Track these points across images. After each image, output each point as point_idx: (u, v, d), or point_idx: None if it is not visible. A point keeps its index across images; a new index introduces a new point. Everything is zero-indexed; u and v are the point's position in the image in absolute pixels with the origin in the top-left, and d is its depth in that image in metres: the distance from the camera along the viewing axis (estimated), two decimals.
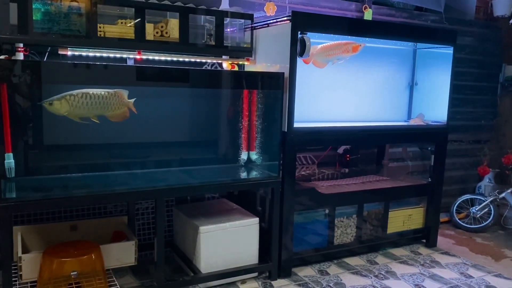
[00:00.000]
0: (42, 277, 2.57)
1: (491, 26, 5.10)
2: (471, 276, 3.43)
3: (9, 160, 2.68)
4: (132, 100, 2.80)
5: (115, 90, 2.71)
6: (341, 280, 3.27)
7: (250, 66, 3.47)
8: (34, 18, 2.65)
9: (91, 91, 2.64)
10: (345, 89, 3.85)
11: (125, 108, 2.78)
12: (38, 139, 2.97)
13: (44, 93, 2.75)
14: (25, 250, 2.82)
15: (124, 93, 2.76)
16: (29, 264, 2.61)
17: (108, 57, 3.06)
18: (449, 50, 3.83)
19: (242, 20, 3.39)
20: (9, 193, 2.55)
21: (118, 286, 2.78)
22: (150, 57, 3.12)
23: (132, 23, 2.91)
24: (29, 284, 2.70)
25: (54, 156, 3.05)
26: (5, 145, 2.60)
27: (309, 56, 3.14)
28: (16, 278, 2.63)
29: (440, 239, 4.13)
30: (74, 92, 2.59)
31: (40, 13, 2.72)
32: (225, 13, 3.22)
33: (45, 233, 3.03)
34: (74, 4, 2.78)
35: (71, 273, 2.58)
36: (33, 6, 2.64)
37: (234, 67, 3.48)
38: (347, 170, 4.14)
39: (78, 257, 2.62)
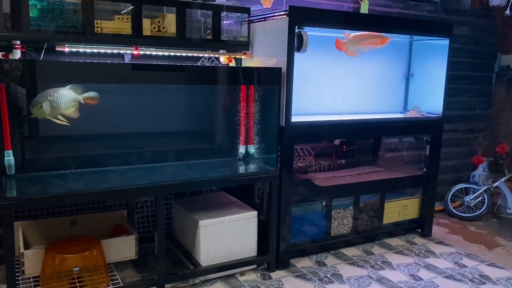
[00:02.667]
0: (45, 273, 2.61)
1: (487, 15, 5.11)
2: (465, 266, 3.51)
3: (9, 158, 2.70)
4: (86, 94, 2.77)
5: (68, 86, 2.70)
6: (338, 271, 3.34)
7: (247, 60, 3.47)
8: (30, 15, 2.64)
9: (58, 90, 2.65)
10: (342, 81, 3.87)
11: (77, 104, 2.76)
12: (37, 136, 2.98)
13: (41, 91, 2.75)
14: (26, 245, 2.86)
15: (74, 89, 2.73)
16: (31, 260, 2.65)
17: (106, 53, 3.06)
18: (445, 42, 3.85)
19: (239, 14, 3.38)
20: (10, 190, 2.58)
21: (119, 280, 2.83)
22: (148, 53, 3.12)
23: (127, 9, 2.90)
24: (31, 279, 2.74)
25: (53, 152, 3.06)
26: (4, 143, 2.61)
27: (343, 45, 3.35)
28: (19, 273, 2.67)
29: (434, 228, 4.20)
30: (50, 92, 2.61)
31: (37, 9, 2.70)
32: (222, 7, 3.21)
33: (46, 228, 3.06)
34: (71, 0, 2.76)
35: (74, 269, 2.62)
36: (30, 3, 2.62)
37: (231, 61, 3.49)
38: (343, 161, 4.18)
39: (80, 253, 2.66)
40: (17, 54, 2.74)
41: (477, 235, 4.24)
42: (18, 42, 2.73)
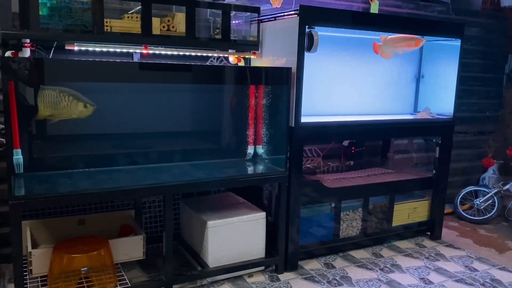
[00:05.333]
0: (52, 273, 2.59)
1: (498, 16, 5.06)
2: (475, 269, 3.46)
3: (18, 156, 2.68)
4: None
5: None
6: (347, 273, 3.30)
7: (256, 60, 3.45)
8: (40, 13, 2.63)
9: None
10: (352, 82, 3.84)
11: None
12: (45, 135, 2.98)
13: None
14: (34, 244, 2.85)
15: None
16: (38, 259, 2.64)
17: (115, 52, 3.05)
18: (456, 43, 3.80)
19: (249, 13, 3.36)
20: (18, 189, 2.56)
21: (127, 280, 2.81)
22: (157, 52, 3.11)
23: (136, 9, 2.89)
24: (39, 279, 2.73)
25: (61, 152, 3.05)
26: (13, 142, 2.60)
27: (380, 48, 3.46)
28: (26, 273, 2.66)
29: (444, 231, 4.15)
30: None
31: (46, 8, 2.70)
32: (231, 6, 3.19)
33: (53, 227, 3.05)
34: None
35: (82, 269, 2.60)
36: (39, 1, 2.62)
37: (240, 61, 3.46)
38: (352, 162, 4.14)
39: (88, 253, 2.64)
40: (26, 53, 2.73)
41: (487, 238, 4.19)
42: (28, 40, 2.72)
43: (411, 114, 4.20)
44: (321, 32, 3.07)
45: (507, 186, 4.63)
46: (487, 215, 4.57)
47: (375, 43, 3.52)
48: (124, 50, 3.03)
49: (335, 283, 3.14)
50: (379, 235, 3.80)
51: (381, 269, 3.39)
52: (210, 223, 3.02)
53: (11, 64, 2.37)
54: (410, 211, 3.94)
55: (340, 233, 3.60)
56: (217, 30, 3.27)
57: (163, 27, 2.97)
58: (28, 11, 2.58)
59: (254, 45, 3.37)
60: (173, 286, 2.94)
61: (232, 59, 3.46)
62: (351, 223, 3.64)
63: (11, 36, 2.65)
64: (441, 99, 4.01)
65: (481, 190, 4.76)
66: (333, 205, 3.58)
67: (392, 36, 3.48)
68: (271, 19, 3.27)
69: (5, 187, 2.95)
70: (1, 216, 3.10)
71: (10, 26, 2.60)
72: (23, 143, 2.72)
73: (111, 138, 3.21)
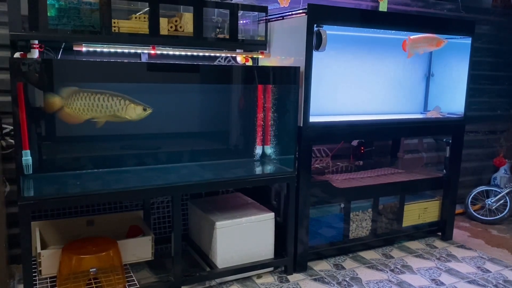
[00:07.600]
0: (61, 273, 2.59)
1: (509, 14, 4.99)
2: (488, 270, 3.41)
3: (27, 157, 2.69)
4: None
5: None
6: (357, 274, 3.27)
7: (264, 60, 3.43)
8: (48, 14, 2.63)
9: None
10: (361, 81, 3.81)
11: None
12: (54, 136, 2.98)
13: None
14: (43, 245, 2.86)
15: None
16: (48, 260, 2.64)
17: (123, 53, 3.05)
18: (467, 41, 3.75)
19: (256, 13, 3.34)
20: (27, 190, 2.57)
21: (136, 281, 2.80)
22: (165, 52, 3.10)
23: (144, 10, 2.89)
24: (48, 280, 2.74)
25: (70, 153, 3.06)
26: (22, 143, 2.61)
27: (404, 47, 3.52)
28: (36, 273, 2.66)
29: (455, 231, 4.10)
30: None
31: (54, 9, 2.70)
32: (239, 6, 3.17)
33: (62, 228, 3.06)
34: None
35: (90, 270, 2.60)
36: (47, 2, 2.62)
37: (248, 61, 3.45)
38: (361, 162, 4.11)
39: (97, 253, 2.63)
40: (35, 54, 2.74)
41: (500, 239, 4.13)
42: (36, 41, 2.72)
43: (421, 113, 4.16)
44: (329, 31, 3.05)
45: None
46: (499, 215, 4.51)
47: (405, 42, 3.52)
48: (132, 51, 3.03)
49: (345, 284, 3.11)
50: (389, 235, 3.76)
51: (392, 270, 3.35)
52: (219, 224, 3.01)
53: (20, 65, 2.37)
54: (420, 211, 3.90)
55: (349, 234, 3.57)
56: (219, 30, 3.25)
57: (171, 27, 2.96)
58: (36, 12, 2.59)
59: (262, 45, 3.35)
60: (182, 287, 2.93)
61: (240, 59, 3.44)
62: (360, 224, 3.60)
63: (19, 37, 2.65)
64: (452, 98, 3.97)
65: (492, 190, 4.70)
66: (342, 205, 3.54)
67: (414, 36, 3.47)
68: (279, 18, 3.25)
69: (15, 188, 2.97)
70: (10, 217, 3.11)
71: (19, 28, 2.60)
72: (32, 144, 2.74)
73: (120, 139, 3.20)
